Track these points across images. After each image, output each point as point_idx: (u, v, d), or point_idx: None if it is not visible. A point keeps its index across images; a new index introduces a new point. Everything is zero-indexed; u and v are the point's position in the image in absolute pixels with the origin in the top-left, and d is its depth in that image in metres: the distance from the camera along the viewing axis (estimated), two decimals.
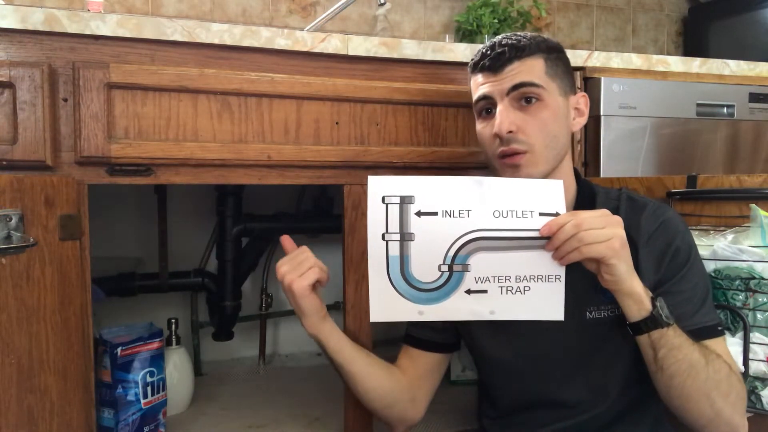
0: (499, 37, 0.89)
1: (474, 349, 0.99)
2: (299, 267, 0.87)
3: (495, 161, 0.89)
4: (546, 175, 0.86)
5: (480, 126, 0.91)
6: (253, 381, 1.45)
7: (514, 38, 0.88)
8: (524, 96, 0.86)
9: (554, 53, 0.89)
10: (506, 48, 0.86)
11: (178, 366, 1.25)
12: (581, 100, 0.93)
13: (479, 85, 0.89)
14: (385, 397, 0.96)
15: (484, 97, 0.89)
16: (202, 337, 1.52)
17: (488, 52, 0.88)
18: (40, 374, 0.84)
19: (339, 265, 1.09)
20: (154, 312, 1.44)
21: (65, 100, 0.90)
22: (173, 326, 1.27)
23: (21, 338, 0.82)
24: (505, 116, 0.85)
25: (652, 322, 0.77)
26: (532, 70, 0.86)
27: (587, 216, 0.75)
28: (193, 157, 0.95)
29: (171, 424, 1.17)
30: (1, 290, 0.80)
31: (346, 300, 1.07)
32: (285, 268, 0.87)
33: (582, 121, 0.93)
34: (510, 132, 0.85)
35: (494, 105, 0.88)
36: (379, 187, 0.78)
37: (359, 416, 1.07)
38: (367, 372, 0.95)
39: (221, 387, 1.40)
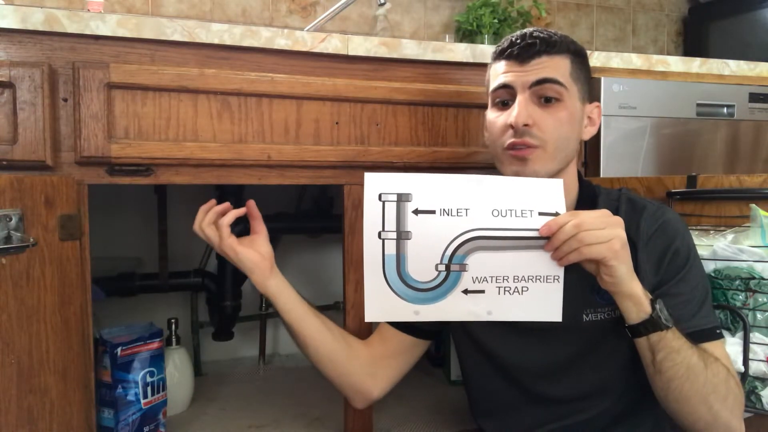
0: (531, 29, 0.88)
1: (471, 347, 0.97)
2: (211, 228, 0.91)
3: (502, 153, 0.87)
4: (551, 176, 0.85)
5: (493, 115, 0.90)
6: (253, 381, 1.45)
7: (545, 33, 0.87)
8: (546, 93, 0.85)
9: (580, 57, 0.89)
10: (537, 40, 0.85)
11: (178, 366, 1.25)
12: (595, 110, 0.93)
13: (500, 74, 0.88)
14: (338, 365, 0.96)
15: (505, 86, 0.87)
16: (202, 337, 1.52)
17: (518, 41, 0.86)
18: (40, 374, 0.84)
19: (339, 265, 1.09)
20: (154, 312, 1.44)
21: (65, 100, 0.90)
22: (173, 326, 1.27)
23: (21, 338, 0.82)
24: (523, 108, 0.84)
25: (651, 324, 0.76)
26: (558, 67, 0.85)
27: (587, 216, 0.74)
28: (193, 157, 0.95)
29: (171, 424, 1.17)
30: (1, 290, 0.80)
31: (346, 300, 1.07)
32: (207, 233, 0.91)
33: (593, 130, 0.93)
34: (525, 125, 0.84)
35: (513, 96, 0.86)
36: (376, 184, 0.77)
37: (359, 416, 1.07)
38: (321, 337, 0.94)
39: (221, 387, 1.40)
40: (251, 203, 0.94)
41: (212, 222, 0.90)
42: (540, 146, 0.84)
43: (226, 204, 0.91)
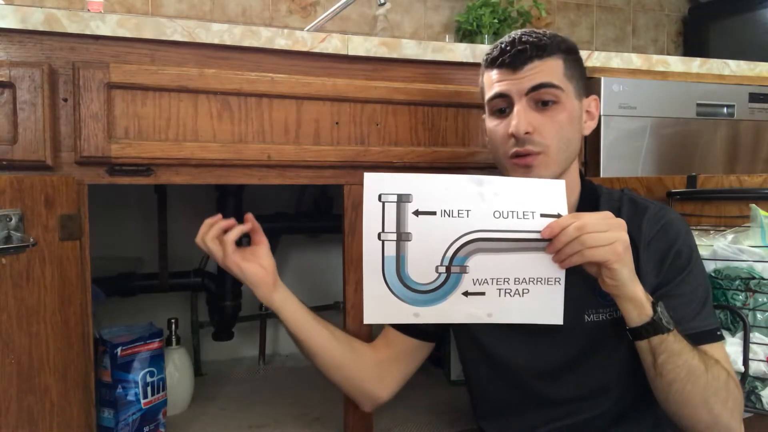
0: (519, 32, 0.87)
1: (473, 348, 0.97)
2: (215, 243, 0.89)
3: (505, 161, 0.87)
4: (555, 178, 0.84)
5: (492, 124, 0.89)
6: (253, 381, 1.45)
7: (534, 36, 0.86)
8: (543, 98, 0.84)
9: (572, 55, 0.88)
10: (527, 46, 0.84)
11: (178, 366, 1.25)
12: (593, 103, 0.92)
13: (495, 82, 0.87)
14: (345, 371, 0.96)
15: (501, 95, 0.86)
16: (202, 337, 1.52)
17: (508, 48, 0.85)
18: (40, 374, 0.84)
19: (339, 265, 1.09)
20: (154, 312, 1.44)
21: (65, 100, 0.89)
22: (173, 326, 1.27)
23: (21, 338, 0.82)
24: (522, 116, 0.83)
25: (653, 327, 0.75)
26: (551, 70, 0.84)
27: (590, 218, 0.73)
28: (193, 157, 0.95)
29: (171, 424, 1.17)
30: (1, 290, 0.80)
31: (346, 300, 1.07)
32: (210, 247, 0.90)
33: (593, 124, 0.92)
34: (527, 133, 0.83)
35: (510, 104, 0.86)
36: (376, 184, 0.75)
37: (359, 416, 1.07)
38: (327, 346, 0.94)
39: (221, 387, 1.40)
40: (250, 216, 0.93)
41: (216, 236, 0.90)
42: (543, 152, 0.84)
43: (231, 220, 0.91)
